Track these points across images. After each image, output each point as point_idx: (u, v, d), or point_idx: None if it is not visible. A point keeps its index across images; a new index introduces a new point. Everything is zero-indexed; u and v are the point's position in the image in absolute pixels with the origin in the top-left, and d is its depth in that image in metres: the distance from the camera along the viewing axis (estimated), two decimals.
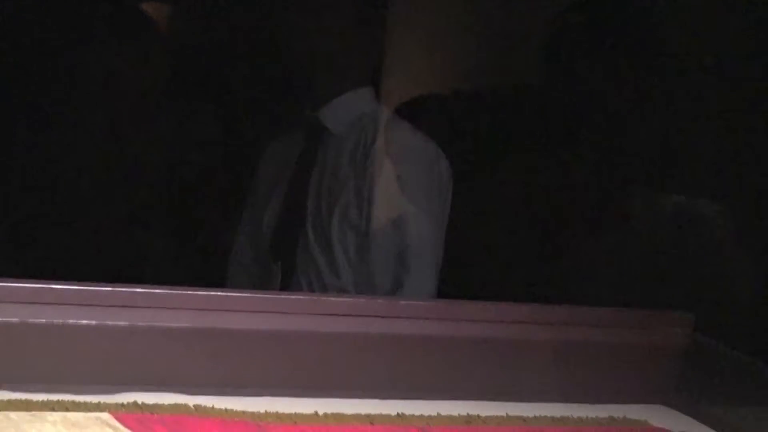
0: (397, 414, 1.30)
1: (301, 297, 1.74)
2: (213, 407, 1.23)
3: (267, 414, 1.24)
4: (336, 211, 1.99)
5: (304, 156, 2.08)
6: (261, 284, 2.07)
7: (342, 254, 1.98)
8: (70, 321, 1.41)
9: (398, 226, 1.98)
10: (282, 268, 2.03)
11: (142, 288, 1.45)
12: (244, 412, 1.23)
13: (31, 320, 1.38)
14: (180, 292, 1.47)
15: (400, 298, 1.87)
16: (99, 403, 1.19)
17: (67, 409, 1.16)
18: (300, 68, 2.09)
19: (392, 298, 1.89)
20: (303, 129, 2.11)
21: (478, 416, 1.34)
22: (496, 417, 1.35)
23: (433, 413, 1.33)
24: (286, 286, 2.01)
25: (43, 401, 1.17)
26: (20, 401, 1.16)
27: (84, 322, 1.41)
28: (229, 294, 1.53)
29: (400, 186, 1.99)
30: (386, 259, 1.98)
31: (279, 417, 1.24)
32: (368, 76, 2.11)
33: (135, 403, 1.20)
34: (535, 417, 1.37)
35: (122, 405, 1.19)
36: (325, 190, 2.03)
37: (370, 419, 1.27)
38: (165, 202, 2.20)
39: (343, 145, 2.04)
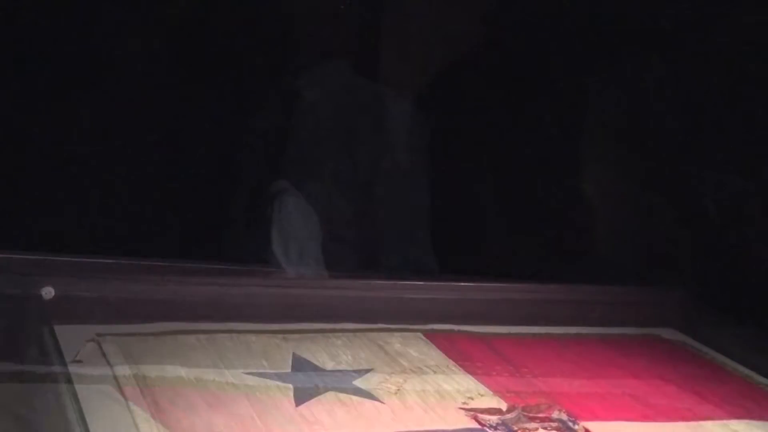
0: None
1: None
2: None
3: None
4: (324, 175, 1.99)
5: (283, 124, 2.09)
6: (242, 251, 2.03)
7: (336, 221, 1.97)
8: None
9: (405, 187, 2.00)
10: (262, 234, 2.00)
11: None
12: None
13: None
14: (185, 265, 1.46)
15: (402, 277, 1.86)
16: None
17: None
18: (280, 36, 2.13)
19: (395, 276, 1.88)
20: (280, 98, 2.13)
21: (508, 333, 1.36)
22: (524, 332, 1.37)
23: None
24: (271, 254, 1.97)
25: None
26: None
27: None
28: (227, 268, 1.52)
29: (399, 150, 2.02)
30: (390, 220, 1.98)
31: None
32: (346, 48, 2.15)
33: None
34: (559, 333, 1.39)
35: None
36: (311, 155, 2.03)
37: None
38: (164, 177, 2.12)
39: (327, 113, 2.06)
